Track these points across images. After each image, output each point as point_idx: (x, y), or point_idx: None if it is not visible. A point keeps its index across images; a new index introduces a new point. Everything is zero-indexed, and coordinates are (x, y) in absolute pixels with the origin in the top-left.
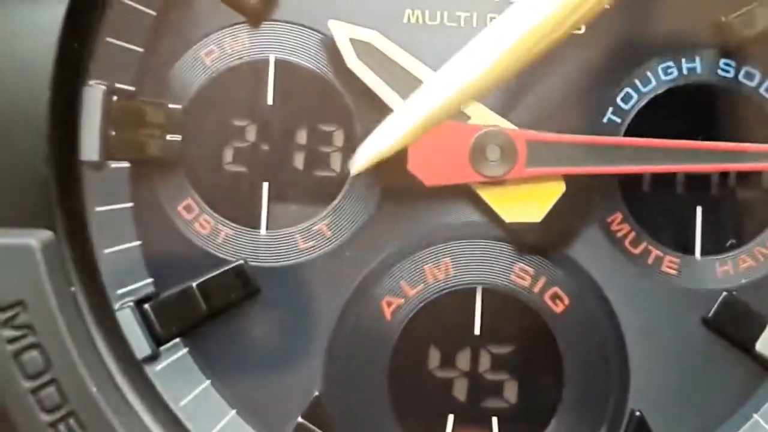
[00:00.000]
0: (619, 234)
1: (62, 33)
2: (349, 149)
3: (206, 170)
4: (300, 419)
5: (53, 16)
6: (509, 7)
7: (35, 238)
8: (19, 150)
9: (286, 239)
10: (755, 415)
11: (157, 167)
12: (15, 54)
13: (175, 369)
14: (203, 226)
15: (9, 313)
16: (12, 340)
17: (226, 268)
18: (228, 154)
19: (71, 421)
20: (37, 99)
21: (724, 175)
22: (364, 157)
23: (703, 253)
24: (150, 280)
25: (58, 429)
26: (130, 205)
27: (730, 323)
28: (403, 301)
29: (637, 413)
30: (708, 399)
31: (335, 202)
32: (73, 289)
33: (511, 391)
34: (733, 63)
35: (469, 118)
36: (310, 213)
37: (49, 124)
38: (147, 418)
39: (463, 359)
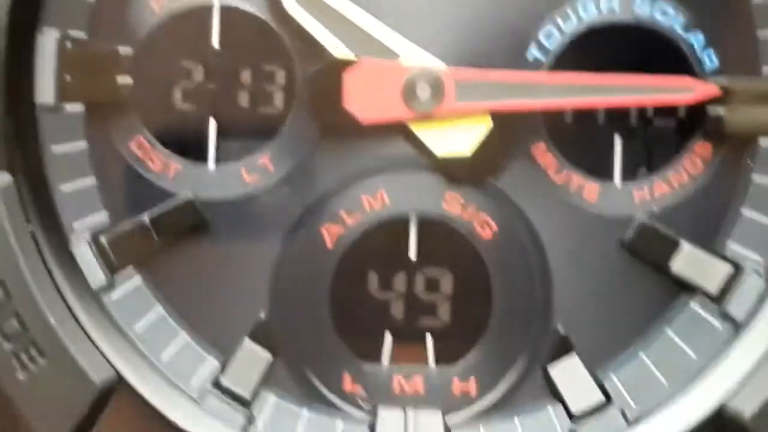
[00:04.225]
0: (543, 163)
1: None
2: (290, 88)
3: (156, 109)
4: (247, 339)
5: None
6: None
7: None
8: None
9: (232, 173)
10: (667, 328)
11: (109, 108)
12: None
13: (129, 297)
14: (155, 162)
15: None
16: None
17: (177, 201)
18: (177, 94)
19: (31, 349)
20: None
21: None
22: None
23: (623, 179)
24: (105, 213)
25: (19, 356)
26: (84, 143)
27: (646, 246)
28: (342, 228)
29: (561, 331)
30: (625, 315)
31: (277, 137)
32: (30, 228)
33: (444, 311)
34: (647, 0)
35: (398, 56)
36: (254, 148)
37: (5, 71)
38: (103, 343)
39: (400, 282)
